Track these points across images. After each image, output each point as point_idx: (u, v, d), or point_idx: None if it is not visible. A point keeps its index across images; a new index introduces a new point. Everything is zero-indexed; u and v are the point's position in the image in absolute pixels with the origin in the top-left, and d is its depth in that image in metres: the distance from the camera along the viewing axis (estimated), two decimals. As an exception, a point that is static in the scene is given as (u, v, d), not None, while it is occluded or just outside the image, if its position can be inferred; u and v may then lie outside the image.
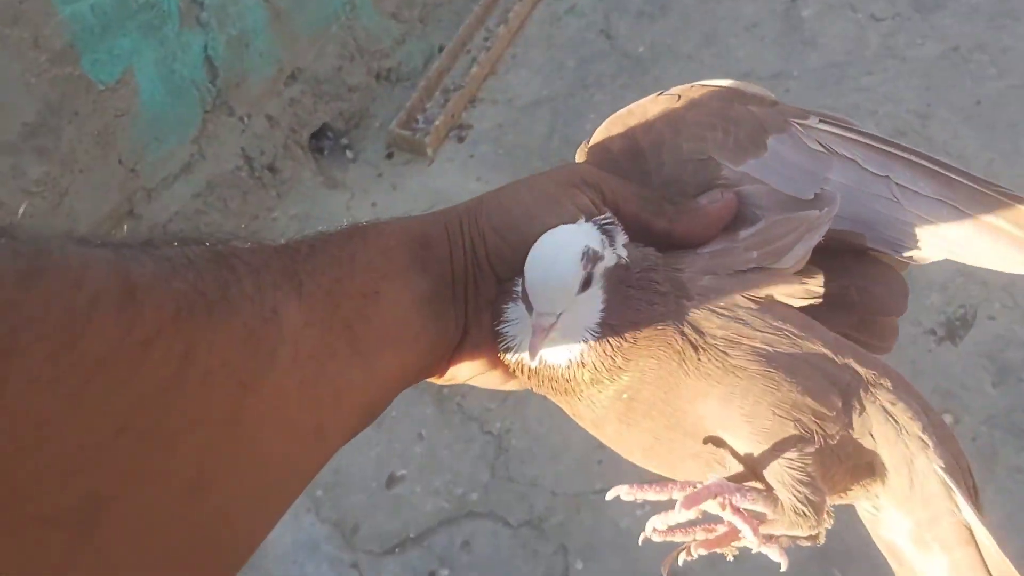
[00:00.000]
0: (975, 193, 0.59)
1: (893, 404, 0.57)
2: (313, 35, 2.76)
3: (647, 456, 0.58)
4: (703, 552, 0.55)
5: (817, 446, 0.54)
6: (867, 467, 0.58)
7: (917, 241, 0.60)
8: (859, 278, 0.61)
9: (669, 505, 0.54)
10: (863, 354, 0.58)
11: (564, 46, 2.97)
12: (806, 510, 0.54)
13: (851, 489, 0.59)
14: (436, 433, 2.15)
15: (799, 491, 0.53)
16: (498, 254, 0.57)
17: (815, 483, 0.54)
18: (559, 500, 2.00)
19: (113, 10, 2.19)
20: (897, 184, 0.60)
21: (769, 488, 0.54)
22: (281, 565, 2.01)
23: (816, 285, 0.57)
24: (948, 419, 1.97)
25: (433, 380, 0.59)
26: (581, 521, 1.96)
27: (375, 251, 0.53)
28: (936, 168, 0.60)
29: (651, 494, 0.55)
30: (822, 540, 0.56)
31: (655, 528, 0.54)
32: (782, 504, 0.54)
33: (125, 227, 2.35)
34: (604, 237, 0.55)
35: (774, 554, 0.54)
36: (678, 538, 0.55)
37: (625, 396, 0.54)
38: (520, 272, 0.54)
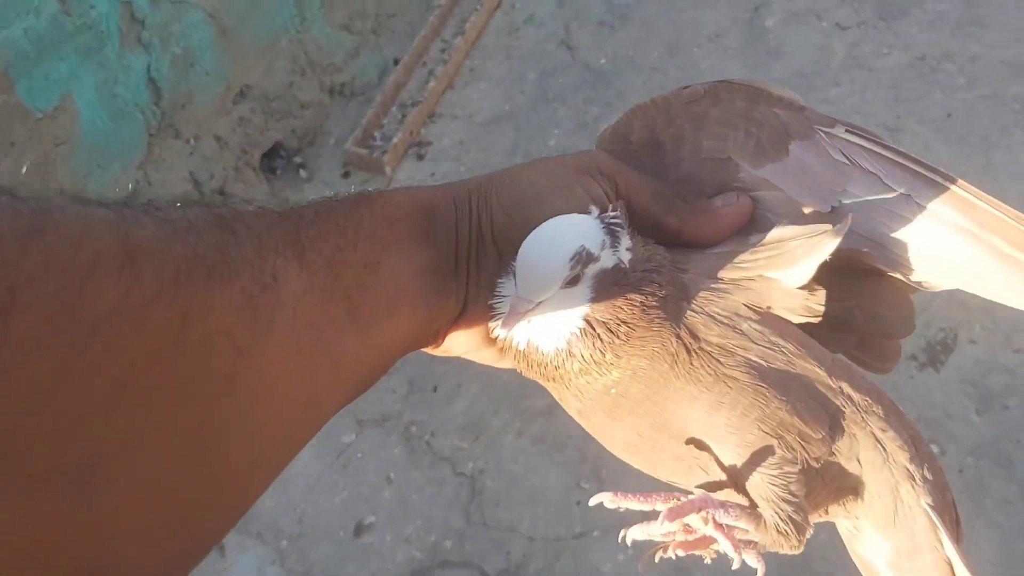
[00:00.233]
0: (998, 221, 0.56)
1: (883, 431, 0.56)
2: (261, 50, 2.64)
3: (629, 451, 0.57)
4: (681, 553, 0.55)
5: (800, 466, 0.54)
6: (851, 490, 0.57)
7: (931, 266, 0.58)
8: (866, 298, 0.60)
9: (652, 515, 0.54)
10: (859, 378, 0.57)
11: (524, 58, 2.87)
12: (788, 528, 0.54)
13: (834, 509, 0.59)
14: (405, 476, 2.06)
15: (782, 509, 0.53)
16: (504, 233, 0.57)
17: (798, 502, 0.54)
18: (537, 546, 1.92)
19: (48, 33, 2.05)
20: (917, 204, 0.58)
21: (751, 503, 0.54)
22: (246, 623, 1.91)
23: (817, 303, 0.55)
24: (934, 449, 1.92)
25: (428, 351, 0.59)
26: (561, 568, 1.88)
27: (380, 221, 0.53)
28: (960, 191, 0.57)
29: (634, 503, 0.55)
30: (802, 549, 0.55)
31: (634, 538, 0.55)
32: (764, 521, 0.54)
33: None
34: (607, 237, 0.54)
35: (752, 559, 0.54)
36: (658, 537, 0.55)
37: (614, 391, 0.54)
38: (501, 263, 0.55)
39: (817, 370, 0.55)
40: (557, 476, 2.00)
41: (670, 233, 0.59)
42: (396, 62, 2.88)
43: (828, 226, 0.55)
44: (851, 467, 0.56)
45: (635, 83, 2.71)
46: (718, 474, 0.55)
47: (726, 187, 0.60)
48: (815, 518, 0.57)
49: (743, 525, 0.53)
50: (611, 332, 0.53)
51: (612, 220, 0.55)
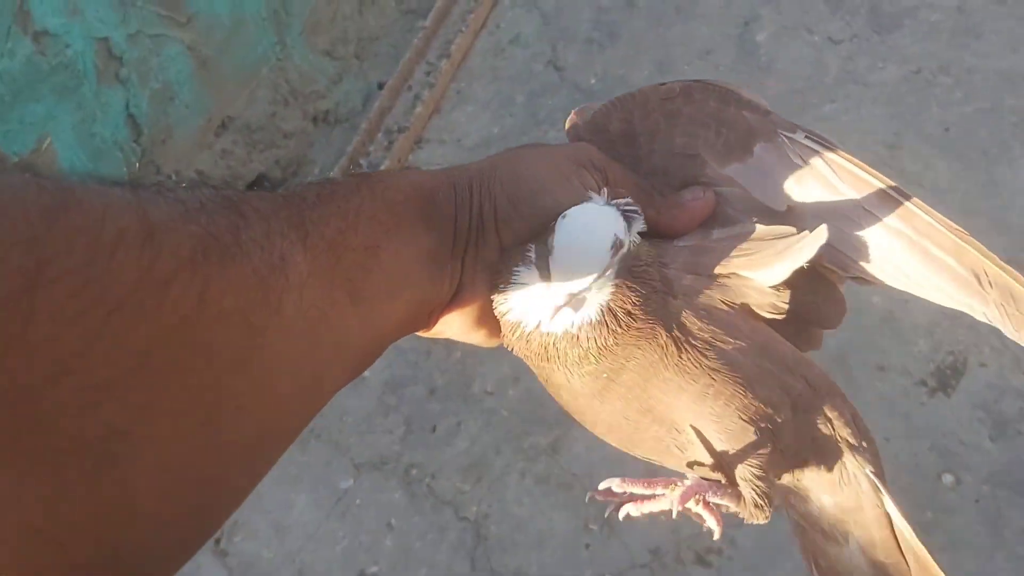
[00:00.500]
0: (931, 228, 0.62)
1: (832, 412, 0.62)
2: (242, 80, 2.57)
3: (610, 431, 0.61)
4: (642, 512, 0.60)
5: (771, 448, 0.59)
6: (804, 462, 0.63)
7: (869, 265, 0.63)
8: (807, 292, 0.63)
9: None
10: (814, 368, 0.63)
11: (511, 79, 2.81)
12: (763, 503, 0.59)
13: (785, 477, 0.64)
14: (407, 521, 1.99)
15: (758, 486, 0.59)
16: (507, 222, 0.58)
17: (769, 479, 0.60)
18: (546, 592, 1.86)
19: (23, 75, 1.97)
20: (864, 208, 0.62)
21: (731, 482, 0.60)
22: None
23: (783, 301, 0.60)
24: (949, 479, 1.88)
25: (420, 333, 0.60)
26: (572, 615, 1.83)
27: (381, 205, 0.54)
28: (899, 198, 0.62)
29: (638, 488, 0.59)
30: (769, 519, 0.60)
31: (629, 514, 0.60)
32: (744, 498, 0.59)
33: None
34: (625, 223, 0.57)
35: (712, 522, 0.59)
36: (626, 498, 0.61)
37: (605, 376, 0.57)
38: (527, 239, 0.57)
39: (783, 361, 0.60)
40: (564, 518, 1.94)
41: (648, 224, 0.61)
42: (381, 86, 2.81)
43: (807, 233, 0.58)
44: (806, 444, 0.62)
45: (626, 103, 2.65)
46: (693, 454, 0.60)
47: (692, 181, 0.64)
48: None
49: (727, 503, 0.59)
50: (617, 320, 0.55)
51: (628, 208, 0.58)
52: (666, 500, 0.59)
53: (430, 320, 0.59)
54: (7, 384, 0.35)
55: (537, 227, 0.58)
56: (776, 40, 2.73)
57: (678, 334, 0.57)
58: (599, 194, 0.59)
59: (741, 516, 0.60)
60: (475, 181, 0.59)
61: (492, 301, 0.58)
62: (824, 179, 0.63)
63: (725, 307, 0.59)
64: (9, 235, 0.35)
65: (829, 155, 0.63)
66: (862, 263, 0.63)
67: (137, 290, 0.38)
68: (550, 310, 0.55)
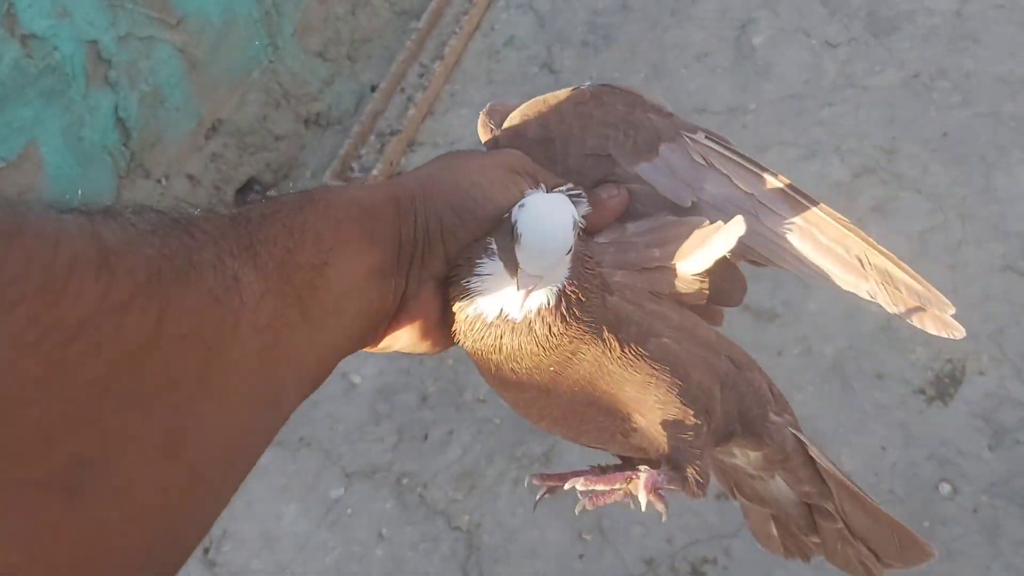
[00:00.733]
0: (820, 219, 0.66)
1: (751, 383, 0.67)
2: (234, 83, 2.54)
3: (556, 423, 0.64)
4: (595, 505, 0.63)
5: (706, 428, 0.63)
6: (731, 434, 0.68)
7: (767, 252, 0.68)
8: (714, 272, 0.66)
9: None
10: (734, 345, 0.68)
11: (505, 82, 2.78)
12: (704, 482, 0.63)
13: (718, 448, 0.70)
14: (398, 531, 1.96)
15: (697, 466, 0.62)
16: (452, 232, 0.59)
17: (705, 458, 0.63)
18: (539, 604, 1.83)
19: (10, 79, 1.94)
20: (760, 202, 0.67)
21: (673, 465, 0.63)
22: None
23: (705, 288, 0.64)
24: (947, 488, 1.86)
25: (368, 349, 0.61)
26: (565, 628, 1.80)
27: (324, 223, 0.54)
28: (792, 193, 0.67)
29: (600, 486, 0.62)
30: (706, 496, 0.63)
31: (583, 507, 0.63)
32: (688, 479, 0.62)
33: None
34: (574, 207, 0.59)
35: (660, 506, 0.61)
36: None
37: (552, 369, 0.59)
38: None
39: (709, 344, 0.64)
40: (557, 528, 1.91)
41: None
42: (373, 88, 2.78)
43: (703, 219, 0.63)
44: (733, 417, 0.67)
45: (621, 106, 2.63)
46: (637, 440, 0.64)
47: (604, 181, 0.67)
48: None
49: (675, 487, 0.62)
50: (568, 310, 0.57)
51: (572, 192, 0.61)
52: (620, 493, 0.62)
53: (378, 334, 0.60)
54: None
55: (481, 235, 0.59)
56: (773, 43, 2.70)
57: (617, 329, 0.59)
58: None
59: (684, 495, 0.63)
60: (417, 194, 0.60)
61: (450, 300, 0.60)
62: (722, 175, 0.68)
63: (655, 298, 0.62)
64: None
65: (726, 152, 0.68)
66: (759, 251, 0.68)
67: (94, 315, 0.38)
68: (520, 295, 0.56)
